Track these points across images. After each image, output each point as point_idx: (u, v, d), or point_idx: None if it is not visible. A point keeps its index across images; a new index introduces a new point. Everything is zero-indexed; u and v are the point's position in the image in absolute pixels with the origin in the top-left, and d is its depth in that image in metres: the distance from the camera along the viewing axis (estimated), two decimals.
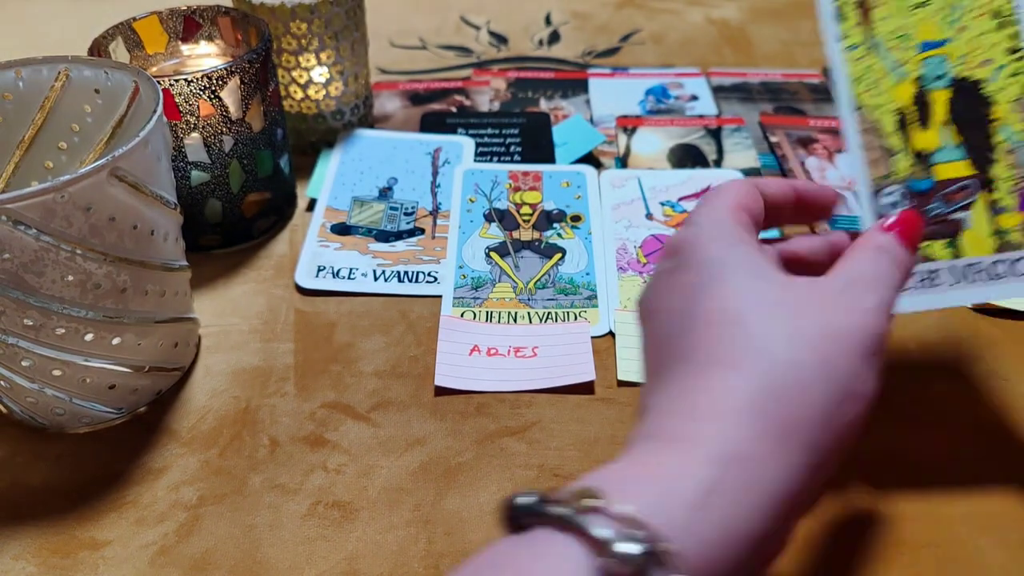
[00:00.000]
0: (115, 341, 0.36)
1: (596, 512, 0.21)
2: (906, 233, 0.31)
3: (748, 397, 0.24)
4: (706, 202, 0.31)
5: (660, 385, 0.26)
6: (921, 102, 0.34)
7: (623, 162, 0.57)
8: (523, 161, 0.57)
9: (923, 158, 0.34)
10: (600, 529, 0.21)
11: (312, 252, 0.49)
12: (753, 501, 0.23)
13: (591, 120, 0.62)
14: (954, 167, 0.34)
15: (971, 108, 0.34)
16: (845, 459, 0.26)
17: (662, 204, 0.52)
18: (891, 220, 0.31)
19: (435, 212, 0.52)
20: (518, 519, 0.22)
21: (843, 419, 0.25)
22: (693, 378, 0.25)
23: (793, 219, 0.34)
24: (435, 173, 0.55)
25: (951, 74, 0.35)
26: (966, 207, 0.34)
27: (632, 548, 0.20)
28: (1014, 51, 0.34)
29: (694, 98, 0.64)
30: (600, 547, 0.21)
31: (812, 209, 0.34)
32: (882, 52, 0.35)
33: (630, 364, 0.41)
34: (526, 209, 0.52)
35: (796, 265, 0.33)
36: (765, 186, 0.32)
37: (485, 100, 0.65)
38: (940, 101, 0.34)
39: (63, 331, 0.35)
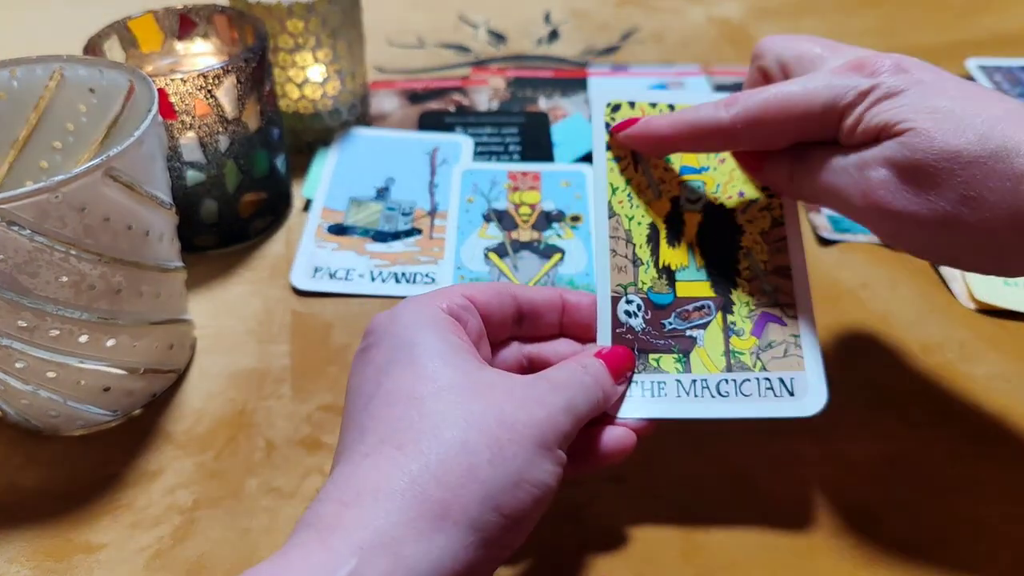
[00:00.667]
0: (110, 343, 0.36)
1: None
2: (613, 363, 0.32)
3: (409, 478, 0.25)
4: (421, 294, 0.32)
5: (336, 466, 0.27)
6: (675, 221, 0.36)
7: None
8: (522, 160, 0.57)
9: (668, 273, 0.35)
10: None
11: (308, 253, 0.49)
12: None
13: (591, 119, 0.61)
14: (695, 286, 0.35)
15: (720, 233, 0.36)
16: (526, 535, 0.27)
17: None
18: (605, 349, 0.33)
19: (433, 212, 0.52)
20: None
21: (515, 503, 0.26)
22: (361, 458, 0.26)
23: (558, 331, 0.35)
24: (433, 173, 0.55)
25: (706, 199, 0.36)
26: (702, 326, 0.34)
27: None
28: (765, 187, 0.36)
29: None
30: None
31: (577, 322, 0.34)
32: (645, 168, 0.36)
33: None
34: (525, 209, 0.52)
35: (543, 367, 0.33)
36: (476, 294, 0.32)
37: (484, 99, 0.64)
38: (692, 223, 0.36)
39: (57, 332, 0.34)
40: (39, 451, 0.38)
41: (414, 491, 0.24)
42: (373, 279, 0.47)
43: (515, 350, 0.34)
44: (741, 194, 0.36)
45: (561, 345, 0.34)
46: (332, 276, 0.47)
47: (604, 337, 0.34)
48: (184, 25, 0.50)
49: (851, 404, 0.40)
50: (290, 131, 0.57)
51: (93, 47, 0.45)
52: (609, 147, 0.36)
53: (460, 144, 0.58)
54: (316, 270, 0.48)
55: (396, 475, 0.25)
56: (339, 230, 0.50)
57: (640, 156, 0.36)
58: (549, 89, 0.65)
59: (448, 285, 0.33)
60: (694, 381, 0.33)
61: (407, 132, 0.59)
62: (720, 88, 0.65)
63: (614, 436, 0.32)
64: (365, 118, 0.60)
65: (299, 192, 0.54)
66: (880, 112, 0.30)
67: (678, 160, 0.37)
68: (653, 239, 0.35)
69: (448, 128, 0.60)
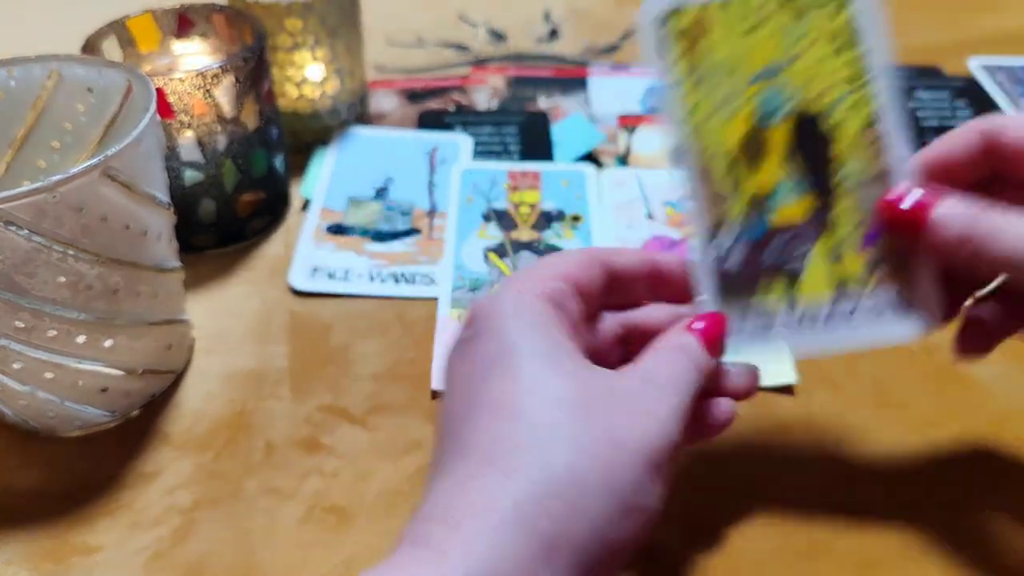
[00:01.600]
0: (107, 343, 0.36)
1: None
2: (709, 336, 0.30)
3: (516, 506, 0.23)
4: (519, 274, 0.30)
5: (439, 476, 0.26)
6: (754, 141, 0.31)
7: (624, 161, 0.56)
8: (522, 160, 0.57)
9: (758, 202, 0.31)
10: None
11: (307, 253, 0.49)
12: None
13: (591, 118, 0.61)
14: (793, 208, 0.31)
15: (807, 146, 0.31)
16: (623, 566, 0.25)
17: (666, 204, 0.52)
18: (695, 321, 0.30)
19: (432, 212, 0.52)
20: None
21: (621, 533, 0.24)
22: (466, 478, 0.24)
23: (648, 296, 0.33)
24: (432, 172, 0.55)
25: (790, 105, 0.31)
26: (802, 255, 0.31)
27: None
28: (854, 79, 0.31)
29: None
30: None
31: (668, 285, 0.32)
32: (709, 86, 0.31)
33: None
34: (524, 209, 0.51)
35: (640, 336, 0.32)
36: (573, 272, 0.30)
37: (483, 98, 0.64)
38: (778, 136, 0.31)
39: (55, 333, 0.34)
40: (37, 452, 0.38)
41: (521, 522, 0.23)
42: (372, 279, 0.47)
43: (610, 322, 0.32)
44: (823, 93, 0.31)
45: (656, 311, 0.32)
46: (331, 276, 0.47)
47: (704, 288, 0.31)
48: (182, 24, 0.50)
49: (853, 404, 0.40)
50: (288, 130, 0.56)
51: (91, 46, 0.45)
52: (670, 71, 0.32)
53: (459, 143, 0.57)
54: (315, 270, 0.47)
55: (503, 503, 0.23)
56: (338, 230, 0.50)
57: (704, 72, 0.31)
58: (549, 88, 0.65)
59: (545, 260, 0.30)
60: (800, 315, 0.31)
61: (406, 131, 0.59)
62: None
63: (720, 410, 0.30)
64: (364, 117, 0.60)
65: (298, 192, 0.54)
66: None
67: (748, 66, 0.31)
68: (733, 168, 0.31)
69: (447, 127, 0.60)
